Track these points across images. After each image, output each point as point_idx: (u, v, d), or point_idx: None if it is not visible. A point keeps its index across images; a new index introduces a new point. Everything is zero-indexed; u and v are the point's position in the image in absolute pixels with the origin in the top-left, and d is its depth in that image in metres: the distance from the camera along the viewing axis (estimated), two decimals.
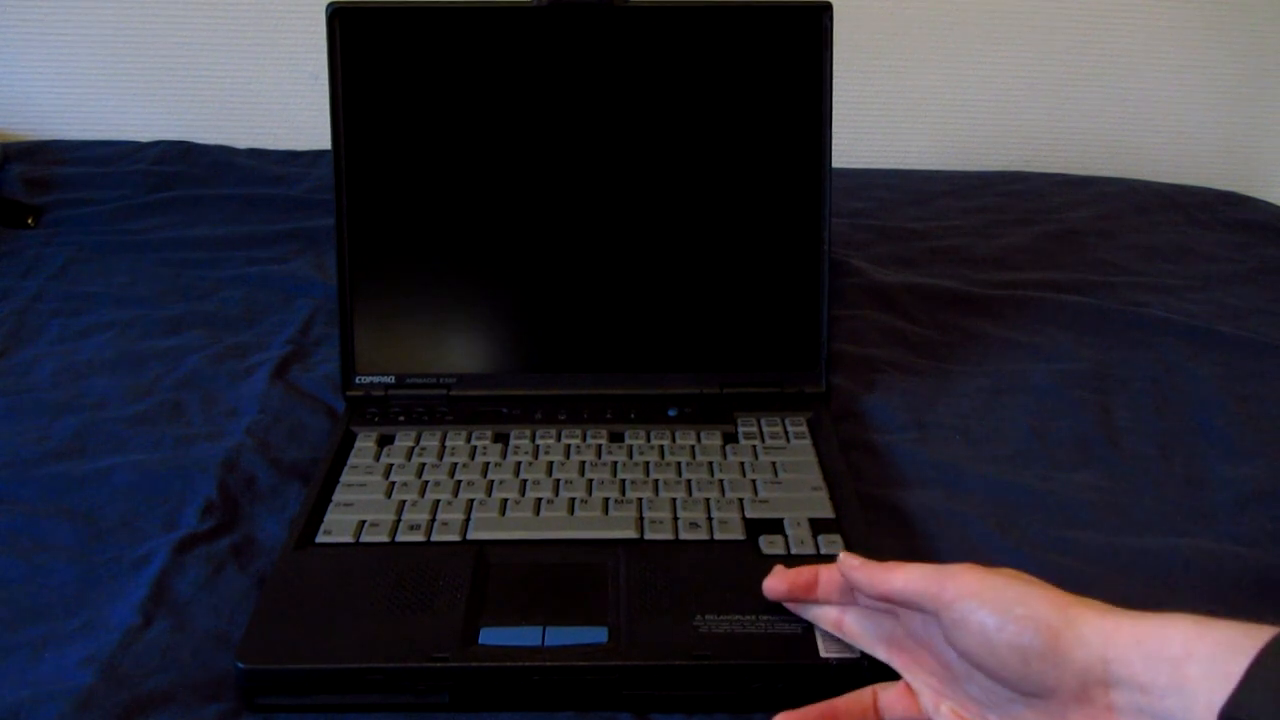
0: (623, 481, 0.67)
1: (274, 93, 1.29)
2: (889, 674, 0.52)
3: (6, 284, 0.95)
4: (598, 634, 0.54)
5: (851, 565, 0.51)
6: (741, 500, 0.65)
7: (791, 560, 0.59)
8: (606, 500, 0.65)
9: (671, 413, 0.74)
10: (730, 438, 0.72)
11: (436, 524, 0.63)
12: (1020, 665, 0.45)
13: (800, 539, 0.61)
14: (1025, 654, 0.45)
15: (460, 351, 0.77)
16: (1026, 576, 0.47)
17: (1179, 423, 0.79)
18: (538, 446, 0.70)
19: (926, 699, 0.50)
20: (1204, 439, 0.77)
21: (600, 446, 0.70)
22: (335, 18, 0.74)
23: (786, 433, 0.72)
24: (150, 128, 1.26)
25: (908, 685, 0.51)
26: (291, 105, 1.28)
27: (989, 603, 0.46)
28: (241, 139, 1.26)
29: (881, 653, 0.52)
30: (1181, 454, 0.75)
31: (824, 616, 0.54)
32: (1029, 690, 0.45)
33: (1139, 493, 0.71)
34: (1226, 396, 0.82)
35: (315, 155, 1.22)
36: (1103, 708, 0.44)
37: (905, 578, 0.49)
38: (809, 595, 0.54)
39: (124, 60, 1.27)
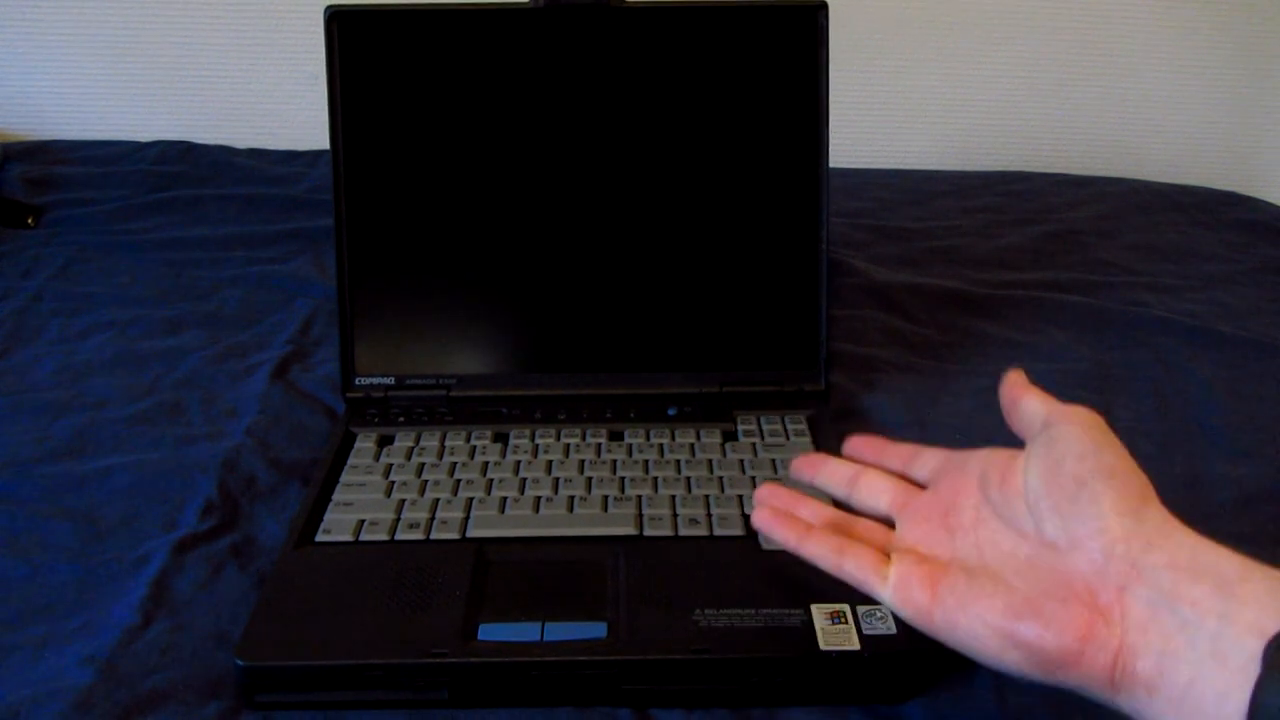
0: (622, 479, 0.67)
1: (274, 93, 1.29)
2: (889, 668, 0.52)
3: (6, 284, 0.95)
4: (597, 629, 0.54)
5: (1016, 378, 0.52)
6: (741, 497, 0.65)
7: (791, 558, 0.59)
8: (606, 498, 0.65)
9: (671, 412, 0.74)
10: (730, 436, 0.72)
11: (436, 522, 0.63)
12: (1068, 502, 0.44)
13: None
14: (1080, 492, 0.43)
15: (460, 352, 0.77)
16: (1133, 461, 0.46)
17: (1179, 423, 0.79)
18: (537, 446, 0.70)
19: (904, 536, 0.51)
20: (1204, 439, 0.77)
21: (600, 445, 0.70)
22: (334, 20, 0.74)
23: (786, 431, 0.72)
24: (150, 128, 1.26)
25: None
26: (291, 105, 1.28)
27: (1091, 436, 0.45)
28: (241, 139, 1.26)
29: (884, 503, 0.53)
30: (1181, 454, 0.75)
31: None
32: (1050, 533, 0.44)
33: None
34: (1226, 396, 0.82)
35: (315, 155, 1.22)
36: (1115, 586, 0.42)
37: (1037, 395, 0.50)
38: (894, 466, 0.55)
39: (124, 60, 1.28)
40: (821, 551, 0.50)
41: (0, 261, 0.99)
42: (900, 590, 0.47)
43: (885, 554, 0.49)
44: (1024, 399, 0.50)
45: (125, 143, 1.23)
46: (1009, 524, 0.47)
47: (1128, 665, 0.40)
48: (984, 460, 0.51)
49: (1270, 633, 0.37)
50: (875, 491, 0.54)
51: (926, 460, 0.54)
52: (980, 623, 0.44)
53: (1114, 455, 0.45)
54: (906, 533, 0.51)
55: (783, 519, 0.53)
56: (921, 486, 0.54)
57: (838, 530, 0.52)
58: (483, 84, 0.75)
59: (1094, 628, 0.41)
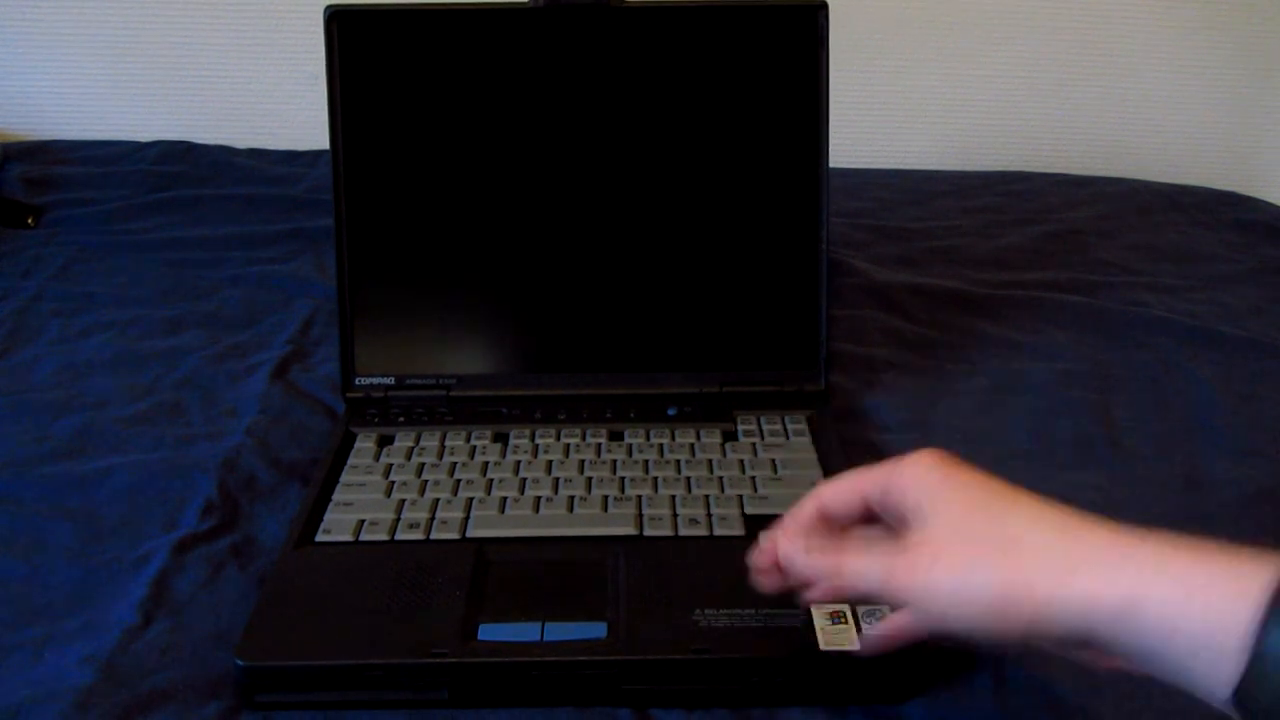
0: (622, 479, 0.67)
1: (274, 93, 1.29)
2: (889, 668, 0.52)
3: (6, 284, 0.95)
4: (597, 629, 0.54)
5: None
6: (741, 497, 0.65)
7: None
8: (606, 498, 0.65)
9: (671, 412, 0.74)
10: (730, 436, 0.72)
11: (436, 522, 0.63)
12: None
13: None
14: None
15: (460, 352, 0.77)
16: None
17: (1179, 423, 0.79)
18: (537, 446, 0.70)
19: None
20: (1204, 439, 0.77)
21: (600, 445, 0.70)
22: (333, 20, 0.74)
23: (786, 431, 0.72)
24: (150, 128, 1.26)
25: None
26: (291, 105, 1.28)
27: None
28: (241, 139, 1.26)
29: None
30: (1181, 454, 0.75)
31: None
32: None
33: (1139, 493, 0.71)
34: (1226, 396, 0.82)
35: (315, 155, 1.22)
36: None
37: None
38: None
39: (124, 60, 1.27)
40: (824, 590, 0.49)
41: (0, 261, 0.99)
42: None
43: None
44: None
45: (125, 143, 1.23)
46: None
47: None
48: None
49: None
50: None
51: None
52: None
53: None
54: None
55: (778, 575, 0.51)
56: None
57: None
58: (483, 84, 0.75)
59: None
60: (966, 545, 0.44)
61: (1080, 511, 0.44)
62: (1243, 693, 0.37)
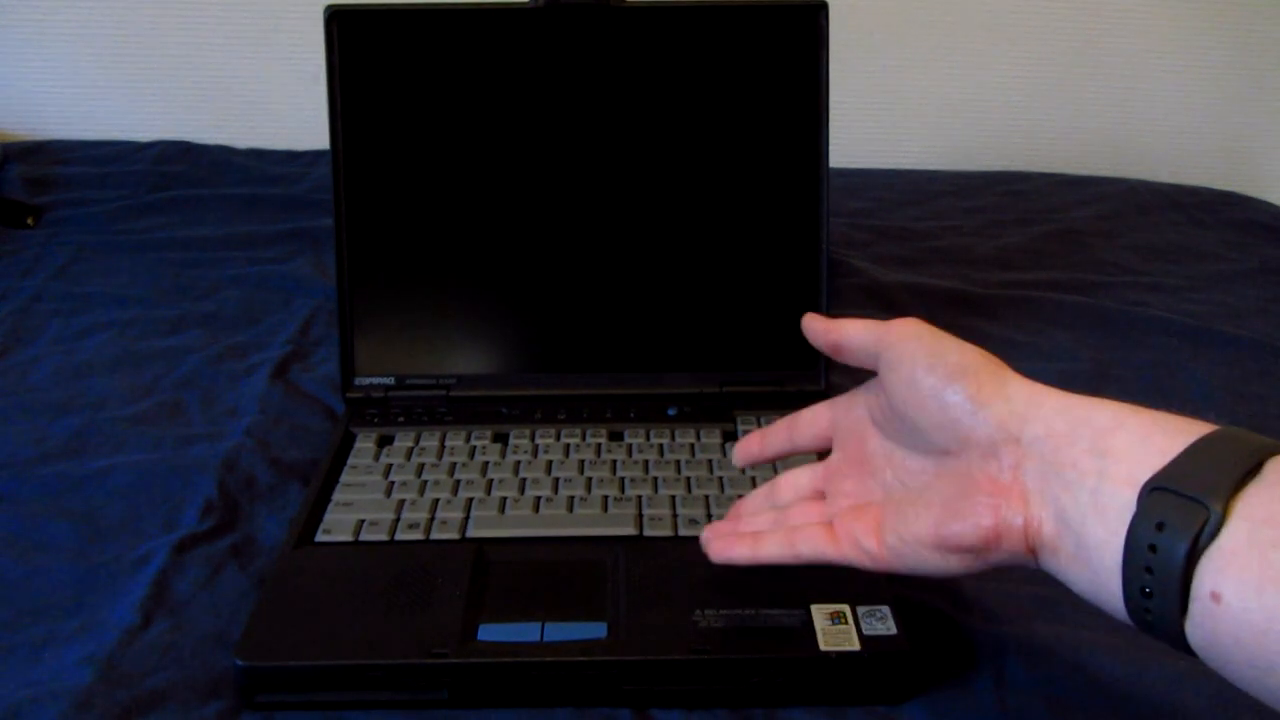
0: (622, 479, 0.67)
1: (274, 93, 1.29)
2: (889, 669, 0.52)
3: (6, 284, 0.95)
4: (597, 629, 0.54)
5: (811, 319, 0.55)
6: (741, 497, 0.65)
7: None
8: (606, 498, 0.65)
9: (671, 412, 0.74)
10: (730, 436, 0.72)
11: (436, 522, 0.63)
12: (939, 411, 0.46)
13: None
14: (945, 398, 0.46)
15: (459, 352, 0.77)
16: (972, 346, 0.48)
17: None
18: (537, 446, 0.70)
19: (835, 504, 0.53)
20: None
21: (600, 445, 0.70)
22: (333, 20, 0.74)
23: None
24: (150, 128, 1.26)
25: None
26: (291, 105, 1.28)
27: (926, 345, 0.48)
28: (241, 139, 1.26)
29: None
30: None
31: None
32: (941, 443, 0.47)
33: None
34: (1226, 396, 0.82)
35: (315, 155, 1.22)
36: (1009, 467, 0.44)
37: (855, 326, 0.52)
38: (784, 450, 0.57)
39: (124, 60, 1.27)
40: (775, 550, 0.53)
41: (0, 261, 0.99)
42: (850, 547, 0.50)
43: (829, 524, 0.52)
44: (842, 336, 0.53)
45: (125, 143, 1.23)
46: (911, 447, 0.50)
47: (1036, 534, 0.43)
48: (865, 399, 0.53)
49: (1141, 481, 0.39)
50: (797, 486, 0.56)
51: (809, 424, 0.56)
52: (919, 544, 0.47)
53: (956, 352, 0.47)
54: (837, 497, 0.54)
55: (731, 540, 0.55)
56: (826, 452, 0.56)
57: (780, 524, 0.54)
58: (483, 84, 0.75)
59: (1000, 510, 0.44)
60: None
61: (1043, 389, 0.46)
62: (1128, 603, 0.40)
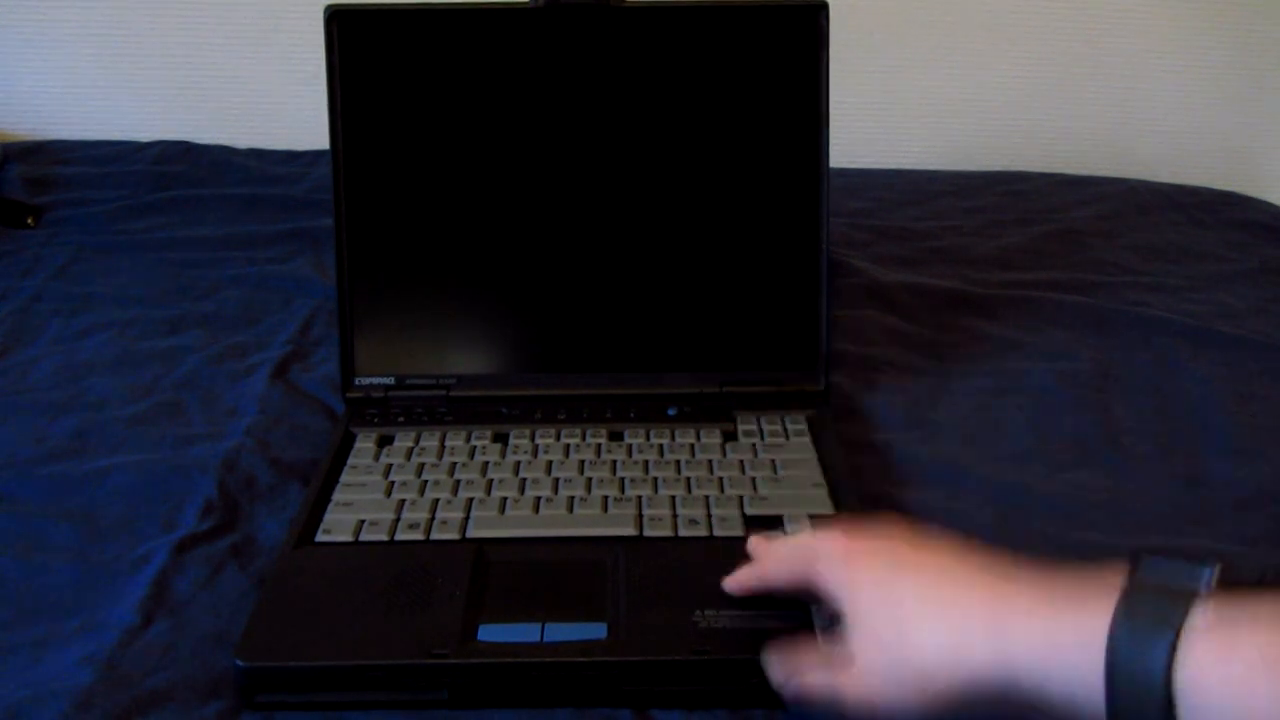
0: (622, 480, 0.67)
1: (274, 93, 1.29)
2: None
3: (6, 284, 0.95)
4: (597, 630, 0.54)
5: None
6: (741, 498, 0.65)
7: None
8: (606, 498, 0.65)
9: (671, 412, 0.74)
10: (730, 436, 0.72)
11: (436, 522, 0.63)
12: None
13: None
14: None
15: (459, 352, 0.77)
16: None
17: (1179, 423, 0.79)
18: (537, 446, 0.70)
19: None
20: (1204, 439, 0.77)
21: (600, 445, 0.70)
22: (333, 20, 0.74)
23: (786, 431, 0.72)
24: (150, 128, 1.26)
25: None
26: (291, 105, 1.28)
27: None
28: (241, 139, 1.26)
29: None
30: (1181, 454, 0.75)
31: None
32: None
33: (1139, 493, 0.71)
34: (1226, 396, 0.82)
35: (315, 155, 1.22)
36: None
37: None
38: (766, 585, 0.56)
39: (124, 60, 1.27)
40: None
41: (0, 261, 0.99)
42: None
43: None
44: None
45: (125, 143, 1.23)
46: None
47: None
48: None
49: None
50: None
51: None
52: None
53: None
54: None
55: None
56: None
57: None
58: (483, 84, 0.75)
59: None
60: (880, 674, 0.47)
61: (964, 559, 0.47)
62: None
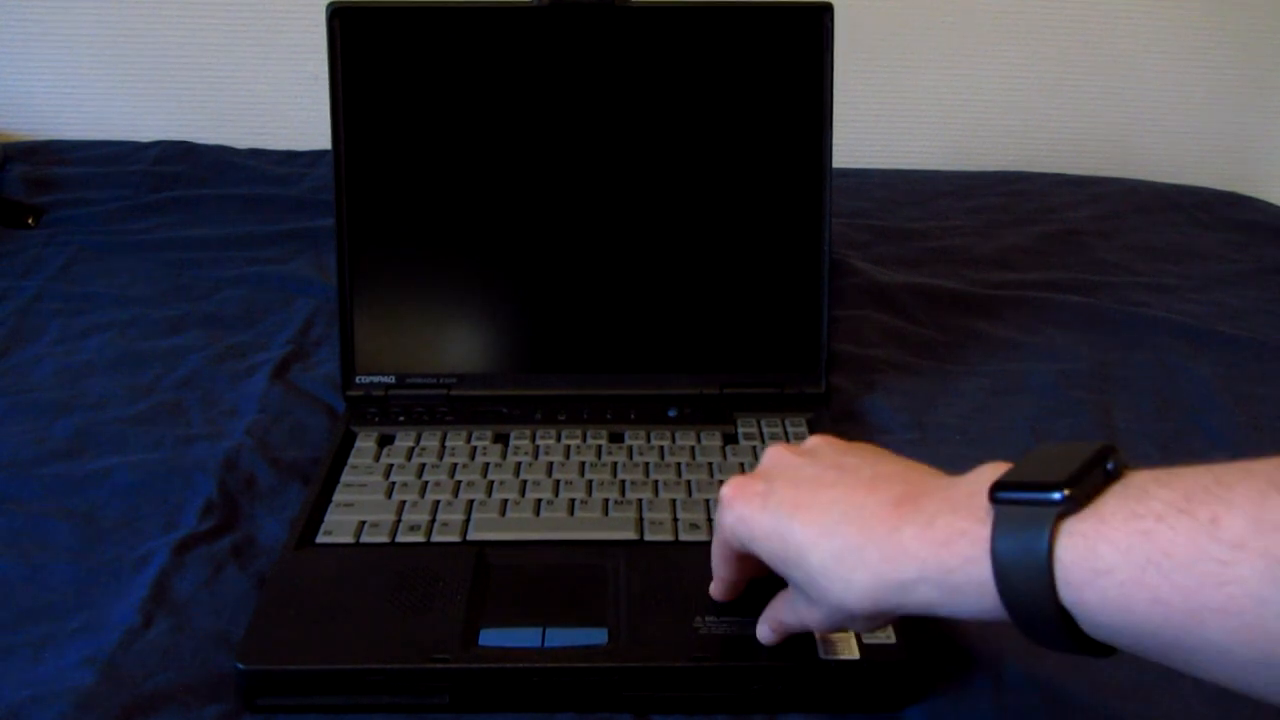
0: (623, 482, 0.67)
1: (274, 93, 1.29)
2: (888, 675, 0.52)
3: (6, 284, 0.95)
4: (598, 635, 0.54)
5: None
6: None
7: None
8: (606, 501, 0.65)
9: (671, 413, 0.74)
10: (730, 438, 0.72)
11: (437, 524, 0.63)
12: None
13: None
14: None
15: (460, 351, 0.77)
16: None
17: (1179, 423, 0.79)
18: (538, 447, 0.70)
19: None
20: (1204, 439, 0.77)
21: (600, 447, 0.70)
22: (335, 17, 0.74)
23: (787, 433, 0.72)
24: (150, 128, 1.26)
25: None
26: (291, 105, 1.28)
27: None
28: (241, 139, 1.26)
29: None
30: (1181, 454, 0.75)
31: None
32: None
33: None
34: (1226, 396, 0.82)
35: (315, 155, 1.22)
36: None
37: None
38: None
39: (124, 60, 1.27)
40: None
41: (0, 261, 0.99)
42: None
43: None
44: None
45: (125, 143, 1.23)
46: None
47: None
48: None
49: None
50: None
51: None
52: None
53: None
54: None
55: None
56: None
57: None
58: (485, 83, 0.75)
59: None
60: (808, 607, 0.48)
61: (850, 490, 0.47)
62: (1008, 606, 0.40)
